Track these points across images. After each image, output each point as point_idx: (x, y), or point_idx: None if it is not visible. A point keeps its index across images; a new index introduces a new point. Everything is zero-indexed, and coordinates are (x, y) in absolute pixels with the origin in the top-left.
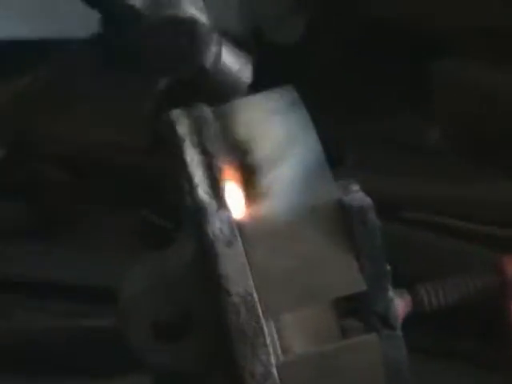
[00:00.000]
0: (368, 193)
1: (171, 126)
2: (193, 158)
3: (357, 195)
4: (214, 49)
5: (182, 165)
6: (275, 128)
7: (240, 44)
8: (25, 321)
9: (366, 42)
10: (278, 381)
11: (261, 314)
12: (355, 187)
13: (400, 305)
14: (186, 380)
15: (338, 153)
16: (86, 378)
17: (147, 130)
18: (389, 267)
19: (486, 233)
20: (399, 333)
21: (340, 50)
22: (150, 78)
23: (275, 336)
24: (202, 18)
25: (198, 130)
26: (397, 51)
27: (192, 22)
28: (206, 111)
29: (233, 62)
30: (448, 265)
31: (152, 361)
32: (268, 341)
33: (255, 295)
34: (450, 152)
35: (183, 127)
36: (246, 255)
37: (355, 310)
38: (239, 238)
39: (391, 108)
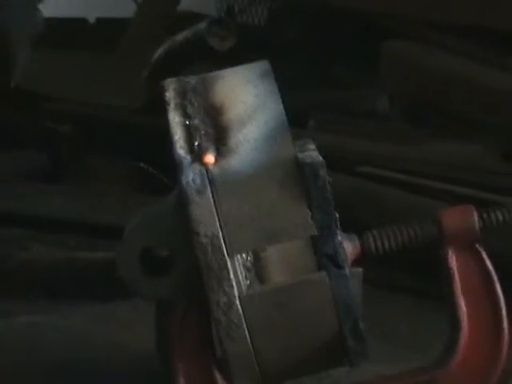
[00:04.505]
0: (327, 151)
1: (162, 91)
2: (174, 118)
3: (311, 153)
4: None
5: (167, 124)
6: (247, 94)
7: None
8: (42, 252)
9: (327, 24)
10: (240, 310)
11: (225, 252)
12: (311, 146)
13: (349, 247)
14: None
15: (302, 118)
16: (94, 301)
17: (142, 94)
18: (337, 215)
19: (424, 184)
20: (347, 272)
21: (299, 32)
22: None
23: (241, 272)
24: None
25: (183, 95)
26: (355, 34)
27: None
28: (193, 79)
29: None
30: (393, 211)
31: (140, 291)
32: (231, 275)
33: (220, 236)
34: (395, 118)
35: (171, 92)
36: (214, 202)
37: None
38: (209, 188)
39: (349, 81)
